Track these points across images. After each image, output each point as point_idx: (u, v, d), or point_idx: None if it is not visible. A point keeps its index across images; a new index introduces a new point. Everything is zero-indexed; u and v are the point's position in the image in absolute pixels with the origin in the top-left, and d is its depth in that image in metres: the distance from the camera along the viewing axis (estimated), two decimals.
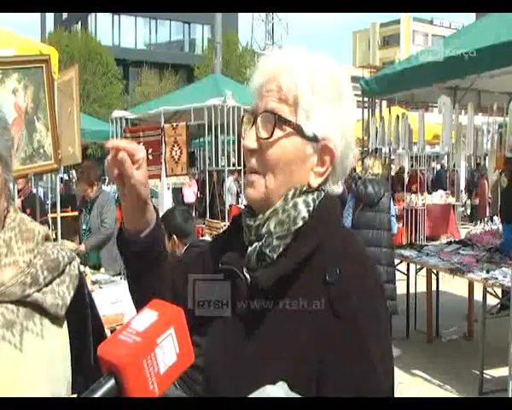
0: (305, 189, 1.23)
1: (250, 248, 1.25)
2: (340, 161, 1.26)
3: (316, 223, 1.22)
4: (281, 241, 1.21)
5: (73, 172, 16.00)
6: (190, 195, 13.06)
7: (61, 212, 6.42)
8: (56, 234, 6.09)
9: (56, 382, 1.21)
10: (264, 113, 1.22)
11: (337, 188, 1.30)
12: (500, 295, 6.15)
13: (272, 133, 1.20)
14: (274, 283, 1.19)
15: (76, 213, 7.82)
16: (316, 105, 1.21)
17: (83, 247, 6.13)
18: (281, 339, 1.18)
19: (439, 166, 21.29)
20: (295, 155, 1.22)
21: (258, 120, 1.23)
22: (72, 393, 1.24)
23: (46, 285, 1.20)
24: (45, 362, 1.19)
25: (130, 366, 0.89)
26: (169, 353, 0.95)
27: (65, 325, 1.25)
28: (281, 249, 1.21)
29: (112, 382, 0.90)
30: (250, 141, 1.24)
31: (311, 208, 1.22)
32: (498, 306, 6.69)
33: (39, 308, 1.20)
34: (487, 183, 18.10)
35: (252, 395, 1.06)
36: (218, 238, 1.50)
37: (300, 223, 1.21)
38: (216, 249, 1.38)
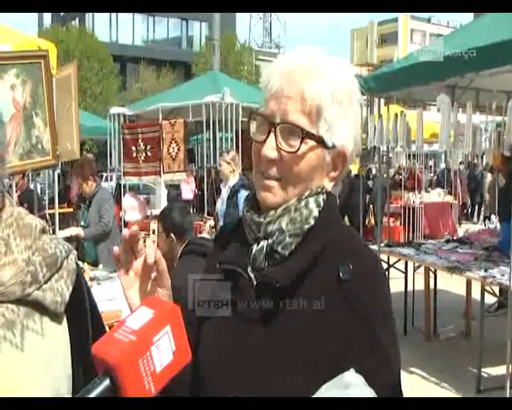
0: (319, 190, 1.25)
1: (256, 247, 1.24)
2: (347, 163, 1.29)
3: (324, 222, 1.24)
4: (293, 239, 1.21)
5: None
6: (188, 192, 13.06)
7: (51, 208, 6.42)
8: (54, 230, 6.08)
9: (57, 379, 1.20)
10: (286, 124, 1.21)
11: (339, 188, 1.33)
12: (498, 294, 6.16)
13: (299, 149, 1.20)
14: (290, 281, 1.18)
15: (71, 210, 7.82)
16: (337, 117, 1.22)
17: (81, 232, 6.10)
18: (294, 338, 1.17)
19: (443, 165, 20.94)
20: (316, 165, 1.24)
21: (278, 130, 1.22)
22: (73, 387, 1.22)
23: (45, 282, 1.19)
24: (46, 360, 1.18)
25: (126, 365, 0.88)
26: (165, 351, 0.94)
27: (64, 320, 1.24)
28: (293, 247, 1.21)
29: (107, 382, 0.89)
30: (270, 151, 1.22)
31: (321, 208, 1.24)
32: (496, 304, 6.71)
33: (39, 306, 1.18)
34: (460, 182, 18.12)
35: (330, 383, 1.05)
36: (217, 241, 1.46)
37: (312, 222, 1.22)
38: (216, 251, 1.37)
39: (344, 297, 1.17)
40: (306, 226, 1.22)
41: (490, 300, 6.18)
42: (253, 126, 1.30)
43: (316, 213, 1.23)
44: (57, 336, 1.22)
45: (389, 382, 1.17)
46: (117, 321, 3.46)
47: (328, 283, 1.18)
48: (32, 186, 8.43)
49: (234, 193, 6.66)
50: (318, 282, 1.19)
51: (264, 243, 1.23)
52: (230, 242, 1.32)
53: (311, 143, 1.21)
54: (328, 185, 1.27)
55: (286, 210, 1.22)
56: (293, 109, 1.21)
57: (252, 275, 1.24)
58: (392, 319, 1.23)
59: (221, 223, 6.78)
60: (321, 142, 1.22)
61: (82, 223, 6.33)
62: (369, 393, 1.04)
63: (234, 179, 6.75)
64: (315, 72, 1.22)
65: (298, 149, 1.20)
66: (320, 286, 1.18)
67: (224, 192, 6.91)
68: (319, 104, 1.20)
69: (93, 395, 0.88)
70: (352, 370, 1.07)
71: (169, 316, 0.96)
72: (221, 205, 6.90)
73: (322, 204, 1.24)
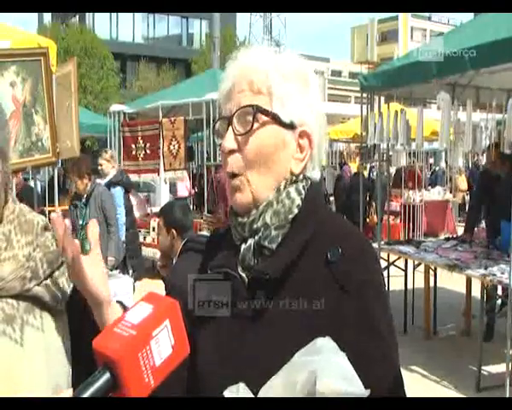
0: (294, 178, 1.25)
1: (244, 246, 1.24)
2: (316, 145, 1.28)
3: (309, 209, 1.24)
4: (279, 231, 1.22)
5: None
6: (183, 189, 13.02)
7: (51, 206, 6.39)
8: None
9: (57, 375, 1.20)
10: (240, 109, 1.22)
11: (316, 174, 1.32)
12: (500, 293, 6.17)
13: (252, 125, 1.21)
14: (281, 272, 1.18)
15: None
16: (289, 92, 1.23)
17: (112, 260, 6.18)
18: (293, 329, 1.17)
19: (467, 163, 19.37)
20: (275, 144, 1.23)
21: (234, 119, 1.23)
22: (73, 383, 1.22)
23: (46, 278, 1.20)
24: (46, 356, 1.19)
25: (125, 359, 0.89)
26: (164, 345, 0.95)
27: (65, 317, 1.25)
28: (279, 239, 1.22)
29: (107, 375, 0.90)
30: (229, 142, 1.23)
31: (302, 196, 1.24)
32: (499, 302, 6.71)
33: (39, 302, 1.19)
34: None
35: (303, 350, 1.06)
36: (207, 247, 1.45)
37: (296, 211, 1.23)
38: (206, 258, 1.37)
39: (335, 279, 1.17)
40: (290, 216, 1.22)
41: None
42: (217, 137, 1.32)
43: (298, 201, 1.23)
44: (57, 331, 1.22)
45: (385, 357, 1.18)
46: None
47: (319, 268, 1.19)
48: (32, 184, 8.42)
49: (108, 187, 7.02)
50: (310, 270, 1.20)
51: (251, 241, 1.24)
52: (220, 246, 1.32)
53: (265, 118, 1.22)
54: (296, 168, 1.26)
55: (268, 205, 1.23)
56: (247, 97, 1.23)
57: (243, 274, 1.24)
58: (385, 294, 1.25)
59: None
60: (276, 118, 1.23)
61: (80, 222, 6.32)
62: (341, 356, 1.04)
63: (109, 177, 7.17)
64: (261, 63, 1.24)
65: (252, 126, 1.21)
66: (312, 273, 1.19)
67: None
68: (269, 84, 1.22)
69: (93, 388, 0.89)
70: (327, 337, 1.07)
71: (168, 311, 0.97)
72: None
73: (303, 192, 1.25)
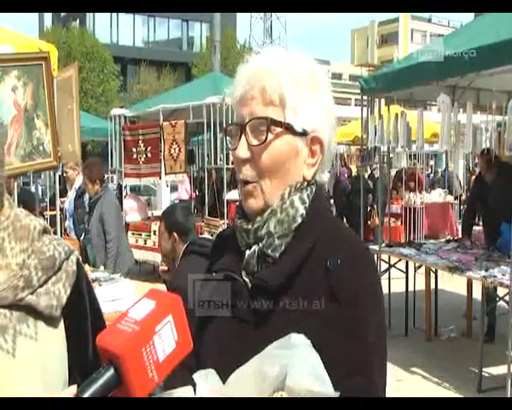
0: (299, 185, 1.26)
1: (248, 252, 1.26)
2: (327, 149, 1.29)
3: (312, 218, 1.25)
4: (282, 240, 1.23)
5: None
6: (183, 192, 13.06)
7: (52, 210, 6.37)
8: (56, 231, 6.08)
9: (53, 384, 1.18)
10: (253, 120, 1.23)
11: (325, 176, 1.33)
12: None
13: (266, 138, 1.21)
14: (282, 281, 1.19)
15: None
16: (301, 100, 1.23)
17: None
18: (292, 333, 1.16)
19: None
20: (289, 154, 1.24)
21: (247, 129, 1.24)
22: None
23: (40, 286, 1.17)
24: (40, 366, 1.17)
25: (129, 354, 0.90)
26: (168, 341, 0.96)
27: (61, 324, 1.22)
28: (282, 248, 1.23)
29: (111, 371, 0.91)
30: (242, 151, 1.24)
31: (307, 205, 1.25)
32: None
33: (33, 311, 1.17)
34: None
35: (276, 343, 1.05)
36: (213, 249, 1.46)
37: (299, 220, 1.24)
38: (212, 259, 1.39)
39: (330, 286, 1.18)
40: (294, 225, 1.23)
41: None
42: (229, 139, 1.33)
43: (302, 210, 1.24)
44: (53, 339, 1.21)
45: (359, 363, 1.16)
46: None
47: (320, 275, 1.19)
48: (33, 188, 8.44)
49: (80, 194, 7.22)
50: (311, 277, 1.20)
51: (255, 248, 1.25)
52: (226, 249, 1.34)
53: (278, 130, 1.23)
54: (308, 173, 1.27)
55: (272, 213, 1.24)
56: (259, 106, 1.23)
57: (246, 279, 1.25)
58: (379, 301, 1.24)
59: (68, 221, 7.44)
60: (289, 128, 1.23)
61: (87, 226, 6.27)
62: (314, 355, 1.03)
63: (78, 182, 7.26)
64: (273, 67, 1.24)
65: (266, 139, 1.22)
66: (312, 281, 1.20)
67: (71, 194, 7.48)
68: (281, 92, 1.22)
69: (98, 384, 0.90)
70: (302, 334, 1.06)
71: (170, 306, 0.98)
72: (69, 205, 7.43)
73: (307, 200, 1.25)
